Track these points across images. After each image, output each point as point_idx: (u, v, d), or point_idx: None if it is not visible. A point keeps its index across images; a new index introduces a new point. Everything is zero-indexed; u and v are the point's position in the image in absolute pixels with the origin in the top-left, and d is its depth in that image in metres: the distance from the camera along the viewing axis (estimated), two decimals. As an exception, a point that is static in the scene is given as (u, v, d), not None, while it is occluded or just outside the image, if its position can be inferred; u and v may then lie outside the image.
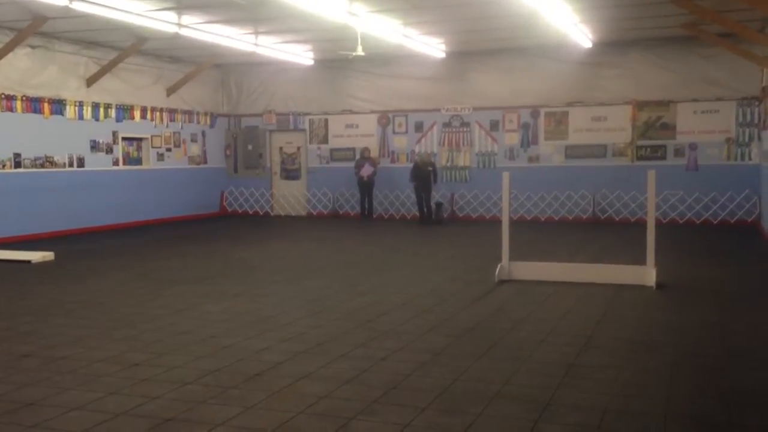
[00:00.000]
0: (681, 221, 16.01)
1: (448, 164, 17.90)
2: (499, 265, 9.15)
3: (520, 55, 16.73)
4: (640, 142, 16.56)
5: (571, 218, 16.88)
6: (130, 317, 7.32)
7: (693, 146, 16.22)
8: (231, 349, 6.05)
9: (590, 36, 15.13)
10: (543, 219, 17.00)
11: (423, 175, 16.65)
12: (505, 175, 9.37)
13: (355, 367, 5.48)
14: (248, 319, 7.19)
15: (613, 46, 16.03)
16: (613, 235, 14.32)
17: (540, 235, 14.20)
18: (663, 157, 16.37)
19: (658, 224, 9.23)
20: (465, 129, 17.74)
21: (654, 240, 8.61)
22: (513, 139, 17.46)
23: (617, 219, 16.52)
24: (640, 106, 16.49)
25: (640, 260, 8.85)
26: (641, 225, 8.94)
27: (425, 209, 16.90)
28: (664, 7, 12.21)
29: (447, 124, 17.86)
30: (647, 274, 8.65)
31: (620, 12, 13.02)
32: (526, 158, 17.34)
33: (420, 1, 11.70)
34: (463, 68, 17.34)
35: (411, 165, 18.06)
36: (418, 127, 18.06)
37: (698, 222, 15.99)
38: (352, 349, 6.02)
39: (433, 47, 15.98)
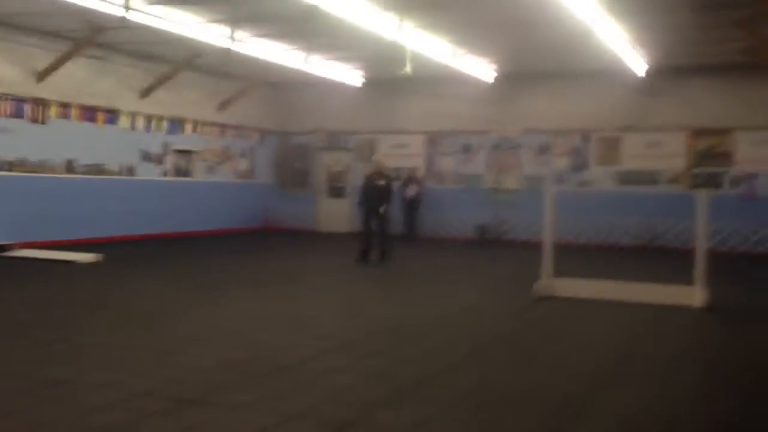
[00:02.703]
0: (735, 252, 15.38)
1: (495, 186, 17.69)
2: (540, 281, 8.89)
3: (572, 79, 16.50)
4: (696, 170, 16.07)
5: (621, 245, 16.42)
6: (164, 312, 7.33)
7: (751, 176, 15.66)
8: (261, 343, 5.97)
9: (645, 61, 14.84)
10: (592, 245, 16.58)
11: (374, 193, 12.04)
12: (550, 192, 9.21)
13: (384, 364, 5.34)
14: (282, 318, 7.12)
15: (669, 71, 15.65)
16: (664, 262, 13.83)
17: (588, 259, 13.82)
18: (719, 186, 15.83)
19: (712, 254, 8.81)
20: (514, 152, 17.54)
21: (704, 259, 8.25)
22: (563, 163, 17.17)
23: (670, 247, 15.99)
24: (696, 133, 16.05)
25: (690, 285, 8.46)
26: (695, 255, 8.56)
27: (372, 241, 11.95)
28: (723, 31, 11.90)
29: (495, 147, 17.70)
30: (695, 295, 8.27)
31: (676, 36, 12.74)
32: (576, 182, 17.01)
33: (471, 16, 11.65)
34: (513, 91, 17.20)
35: (457, 187, 17.95)
36: (466, 148, 17.94)
37: (754, 253, 15.34)
38: (381, 349, 5.88)
39: (483, 69, 15.91)
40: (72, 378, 4.78)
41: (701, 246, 8.36)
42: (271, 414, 4.11)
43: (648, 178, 16.40)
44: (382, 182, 12.08)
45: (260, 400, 4.37)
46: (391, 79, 16.57)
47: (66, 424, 3.88)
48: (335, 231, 19.07)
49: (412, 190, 17.59)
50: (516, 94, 17.28)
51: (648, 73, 15.52)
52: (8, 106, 12.90)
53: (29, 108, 13.27)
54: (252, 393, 4.51)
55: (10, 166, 13.01)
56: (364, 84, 17.84)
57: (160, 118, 16.19)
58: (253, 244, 16.14)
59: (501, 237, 17.43)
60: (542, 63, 15.47)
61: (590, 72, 15.90)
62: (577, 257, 13.89)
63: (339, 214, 19.21)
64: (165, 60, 15.37)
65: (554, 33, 12.25)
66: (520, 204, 17.36)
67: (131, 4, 10.88)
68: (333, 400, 4.41)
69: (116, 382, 4.70)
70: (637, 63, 14.61)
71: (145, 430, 3.82)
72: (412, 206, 17.68)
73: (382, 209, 11.84)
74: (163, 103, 16.11)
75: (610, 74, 15.83)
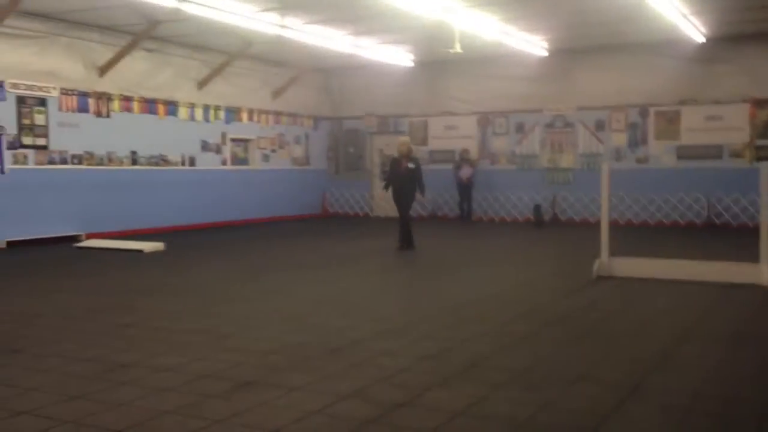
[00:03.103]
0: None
1: (551, 165, 17.48)
2: (597, 261, 8.80)
3: (627, 52, 16.12)
4: (760, 142, 15.52)
5: (683, 223, 16.04)
6: (224, 297, 7.58)
7: (820, 147, 15.05)
8: (316, 326, 6.13)
9: (702, 30, 14.38)
10: (652, 223, 16.25)
11: (400, 177, 11.48)
12: (605, 166, 9.06)
13: (437, 346, 5.41)
14: (337, 302, 7.28)
15: (728, 40, 15.14)
16: (728, 239, 13.47)
17: (648, 238, 13.57)
18: (785, 158, 15.26)
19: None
20: (568, 129, 17.28)
21: (768, 236, 8.01)
22: (620, 139, 16.83)
23: (734, 224, 15.54)
24: (758, 104, 15.48)
25: (755, 263, 8.24)
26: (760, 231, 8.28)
27: (406, 227, 11.67)
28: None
29: (549, 125, 17.46)
30: (761, 273, 8.06)
31: (734, 2, 12.30)
32: (634, 159, 16.66)
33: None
34: (566, 67, 16.91)
35: (511, 167, 17.86)
36: (519, 128, 17.76)
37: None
38: (435, 330, 5.96)
39: (534, 45, 15.69)
40: (140, 361, 5.02)
41: (766, 221, 8.12)
42: (326, 395, 4.24)
43: (709, 152, 15.93)
44: (410, 165, 11.45)
45: (315, 381, 4.52)
46: (441, 60, 16.55)
47: (135, 406, 4.10)
48: (390, 215, 19.15)
49: (465, 172, 17.55)
50: (569, 71, 16.98)
51: (706, 42, 15.05)
52: (73, 101, 13.41)
53: (93, 102, 13.77)
54: (307, 375, 4.66)
55: (78, 159, 13.55)
56: (414, 66, 17.82)
57: (218, 108, 16.56)
58: (309, 229, 16.41)
59: (558, 217, 17.25)
60: (595, 37, 15.16)
61: (645, 44, 15.52)
62: (637, 236, 13.69)
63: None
64: (219, 50, 15.68)
65: (606, 4, 11.99)
66: (576, 183, 17.14)
67: (184, -4, 11.18)
68: (385, 381, 4.52)
69: (180, 365, 4.92)
70: (694, 32, 14.17)
71: (207, 411, 4.00)
72: (465, 188, 17.66)
73: (421, 195, 11.56)
74: (220, 93, 16.46)
75: (667, 45, 15.43)
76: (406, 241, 11.56)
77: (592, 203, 16.66)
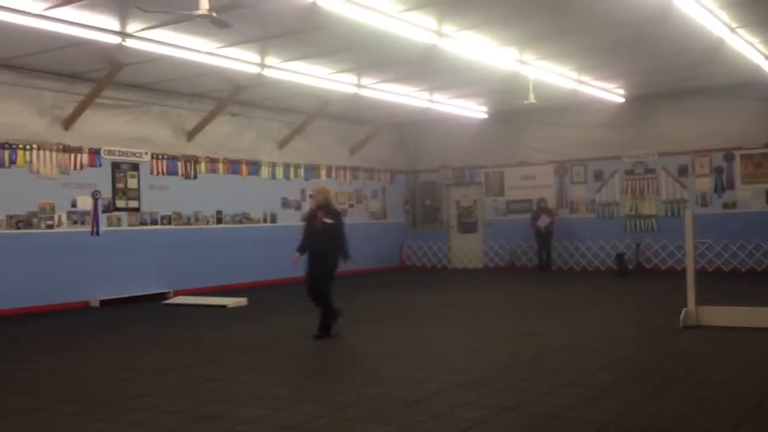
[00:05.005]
0: None
1: (632, 213, 17.07)
2: (684, 310, 8.49)
3: (707, 95, 15.74)
4: None
5: (776, 269, 15.28)
6: (303, 350, 7.72)
7: None
8: (394, 378, 6.16)
9: (787, 70, 13.93)
10: (743, 270, 15.53)
11: (316, 235, 8.51)
12: (688, 214, 8.83)
13: (516, 398, 5.34)
14: (414, 354, 7.29)
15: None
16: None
17: (738, 286, 12.97)
18: None
19: None
20: (650, 176, 16.89)
21: None
22: (705, 184, 16.31)
23: (834, 269, 14.69)
24: None
25: None
26: None
27: (327, 306, 8.45)
28: None
29: (629, 172, 17.11)
30: None
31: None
32: (721, 204, 16.07)
33: (594, 42, 11.50)
34: (644, 112, 16.63)
35: (591, 215, 17.55)
36: (598, 175, 17.49)
37: None
38: (514, 382, 5.88)
39: (610, 92, 15.56)
40: (224, 414, 5.17)
41: None
42: (405, 447, 4.26)
43: (802, 194, 15.23)
44: (328, 220, 8.53)
45: (394, 433, 4.54)
46: (515, 110, 16.60)
47: (218, 456, 4.22)
48: (468, 267, 19.12)
49: (543, 221, 17.35)
50: (648, 116, 16.69)
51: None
52: (163, 165, 14.15)
53: (181, 165, 14.48)
54: (385, 427, 4.68)
55: (167, 220, 14.22)
56: (488, 117, 17.94)
57: (297, 166, 17.09)
58: (387, 282, 16.50)
59: (642, 265, 16.74)
60: (673, 81, 14.88)
61: (727, 86, 15.13)
62: (727, 283, 13.13)
63: (471, 250, 19.25)
64: (299, 111, 16.27)
65: (683, 48, 11.81)
66: (661, 230, 16.65)
67: (266, 62, 11.76)
68: (464, 433, 4.49)
69: (262, 417, 5.04)
70: (779, 73, 13.74)
71: (287, 462, 4.08)
72: (544, 237, 17.42)
73: (343, 260, 8.54)
74: (299, 151, 17.01)
75: (749, 87, 14.99)
76: (324, 327, 8.37)
77: (677, 250, 16.10)
